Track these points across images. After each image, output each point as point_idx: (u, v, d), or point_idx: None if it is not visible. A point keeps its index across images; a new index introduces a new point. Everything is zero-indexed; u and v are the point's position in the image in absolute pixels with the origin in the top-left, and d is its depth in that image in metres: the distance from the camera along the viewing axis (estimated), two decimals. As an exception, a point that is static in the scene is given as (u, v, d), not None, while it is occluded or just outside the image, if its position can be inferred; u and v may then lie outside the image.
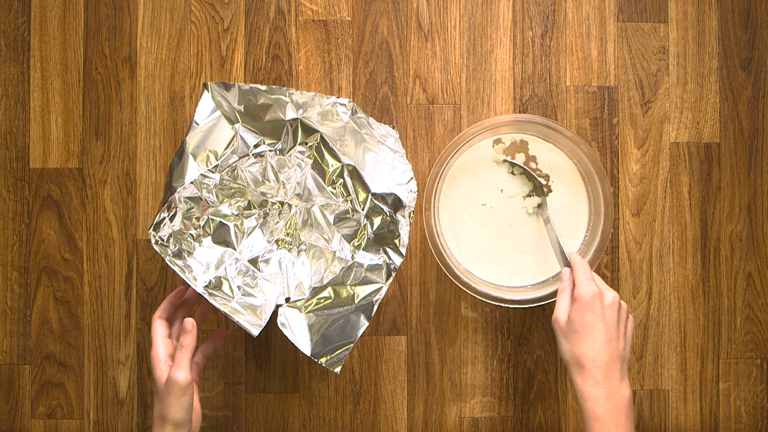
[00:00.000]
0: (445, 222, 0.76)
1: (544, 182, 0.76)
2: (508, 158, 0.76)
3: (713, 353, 0.80)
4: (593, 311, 0.66)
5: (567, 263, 0.72)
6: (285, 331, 0.68)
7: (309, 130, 0.74)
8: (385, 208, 0.73)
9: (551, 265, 0.76)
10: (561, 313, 0.68)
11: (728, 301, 0.80)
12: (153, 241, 0.68)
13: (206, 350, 0.71)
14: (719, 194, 0.80)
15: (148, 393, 0.78)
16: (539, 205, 0.76)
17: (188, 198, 0.71)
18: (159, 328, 0.66)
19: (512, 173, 0.76)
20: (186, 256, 0.70)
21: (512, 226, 0.76)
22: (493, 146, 0.76)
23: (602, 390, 0.63)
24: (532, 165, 0.77)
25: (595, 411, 0.63)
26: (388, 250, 0.72)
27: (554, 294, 0.73)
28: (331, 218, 0.74)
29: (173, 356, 0.65)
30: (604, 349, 0.65)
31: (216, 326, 0.79)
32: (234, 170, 0.73)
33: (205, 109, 0.73)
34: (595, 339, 0.65)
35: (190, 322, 0.64)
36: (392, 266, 0.71)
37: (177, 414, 0.62)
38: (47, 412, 0.78)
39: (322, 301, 0.71)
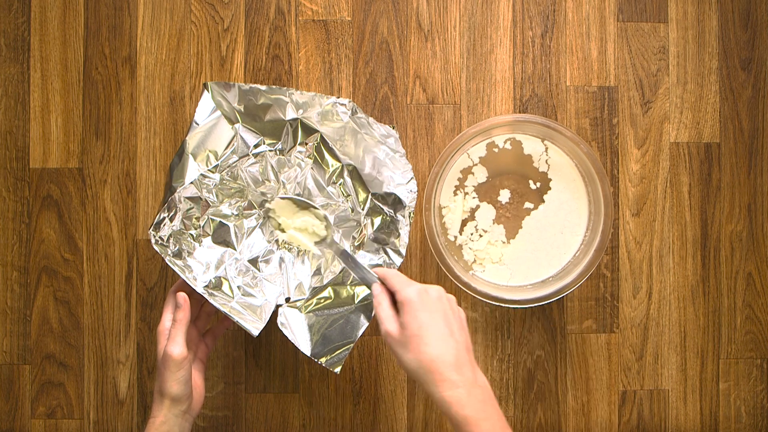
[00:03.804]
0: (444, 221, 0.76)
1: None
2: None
3: (713, 353, 0.80)
4: (425, 309, 0.60)
5: (372, 281, 0.66)
6: (285, 331, 0.68)
7: (309, 130, 0.74)
8: (385, 208, 0.73)
9: (551, 265, 0.76)
10: (389, 324, 0.61)
11: (728, 301, 0.80)
12: (153, 241, 0.68)
13: (216, 331, 0.72)
14: (719, 194, 0.80)
15: (148, 393, 0.78)
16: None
17: (188, 198, 0.71)
18: (171, 302, 0.67)
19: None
20: (186, 256, 0.70)
21: (513, 226, 0.77)
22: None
23: (461, 390, 0.58)
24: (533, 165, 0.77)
25: (462, 413, 0.57)
26: (388, 250, 0.72)
27: (554, 294, 0.73)
28: (331, 218, 0.74)
29: None
30: (447, 344, 0.59)
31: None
32: (234, 170, 0.73)
33: (205, 109, 0.73)
34: (437, 336, 0.59)
35: (182, 297, 0.65)
36: (392, 266, 0.71)
37: (173, 388, 0.63)
38: (47, 412, 0.78)
39: (322, 301, 0.71)
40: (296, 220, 0.73)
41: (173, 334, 0.64)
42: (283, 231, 0.74)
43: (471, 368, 0.60)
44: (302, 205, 0.73)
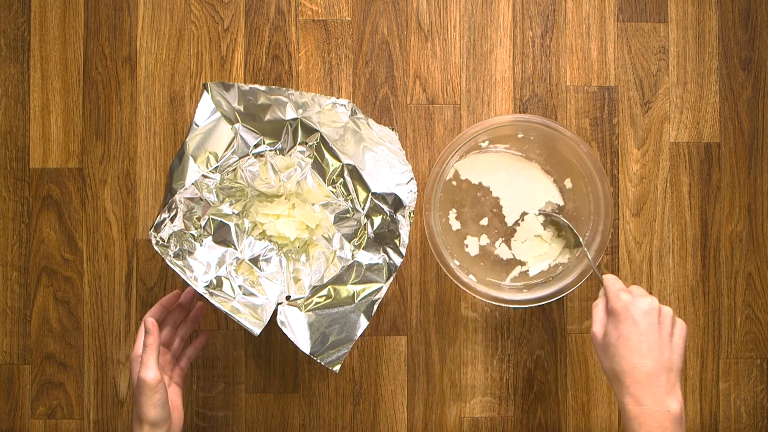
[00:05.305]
0: (445, 221, 0.76)
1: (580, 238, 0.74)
2: (551, 214, 0.76)
3: (713, 353, 0.80)
4: (628, 322, 0.63)
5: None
6: (284, 330, 0.68)
7: (309, 130, 0.74)
8: (386, 208, 0.73)
9: (552, 265, 0.76)
10: (597, 327, 0.65)
11: (728, 301, 0.80)
12: (154, 242, 0.68)
13: (190, 354, 0.72)
14: (719, 194, 0.80)
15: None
16: (574, 247, 0.75)
17: (189, 198, 0.71)
18: (143, 328, 0.67)
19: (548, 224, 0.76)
20: (187, 256, 0.70)
21: (513, 226, 0.77)
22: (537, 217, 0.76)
23: (643, 408, 0.60)
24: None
25: (635, 430, 0.61)
26: (389, 249, 0.72)
27: (554, 294, 0.73)
28: (331, 217, 0.74)
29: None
30: (643, 361, 0.61)
31: (217, 326, 0.79)
32: (234, 170, 0.73)
33: (205, 110, 0.73)
34: (633, 350, 0.62)
35: (150, 322, 0.65)
36: (392, 266, 0.71)
37: (150, 413, 0.63)
38: (47, 412, 0.78)
39: (322, 299, 0.71)
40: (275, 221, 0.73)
41: (145, 359, 0.64)
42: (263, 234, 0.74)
43: (665, 391, 0.61)
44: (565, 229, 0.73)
